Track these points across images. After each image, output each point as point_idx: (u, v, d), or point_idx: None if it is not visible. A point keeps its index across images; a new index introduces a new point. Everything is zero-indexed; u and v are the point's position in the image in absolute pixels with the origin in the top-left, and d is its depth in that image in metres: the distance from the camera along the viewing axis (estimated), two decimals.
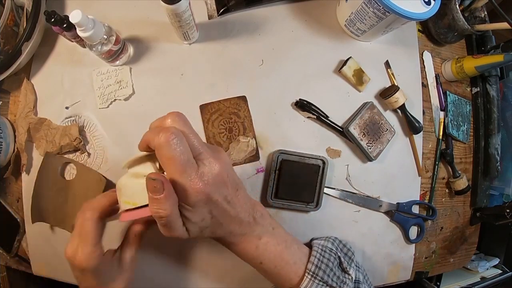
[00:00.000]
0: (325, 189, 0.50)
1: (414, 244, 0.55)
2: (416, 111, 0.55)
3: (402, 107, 0.52)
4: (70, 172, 0.50)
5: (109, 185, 0.50)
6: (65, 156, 0.50)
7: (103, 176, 0.49)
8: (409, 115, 0.53)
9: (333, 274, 0.34)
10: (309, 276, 0.33)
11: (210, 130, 0.50)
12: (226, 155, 0.31)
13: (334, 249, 0.38)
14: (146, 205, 0.29)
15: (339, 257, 0.36)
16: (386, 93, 0.52)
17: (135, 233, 0.37)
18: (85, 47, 0.50)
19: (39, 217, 0.49)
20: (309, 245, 0.40)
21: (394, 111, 0.54)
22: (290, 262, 0.33)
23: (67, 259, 0.33)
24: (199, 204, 0.28)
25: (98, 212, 0.33)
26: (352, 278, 0.36)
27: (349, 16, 0.49)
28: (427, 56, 0.57)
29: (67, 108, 0.50)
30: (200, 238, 0.32)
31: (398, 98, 0.51)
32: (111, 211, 0.35)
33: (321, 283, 0.33)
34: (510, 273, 0.62)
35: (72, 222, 0.48)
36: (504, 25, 0.49)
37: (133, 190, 0.31)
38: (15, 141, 0.51)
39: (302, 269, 0.33)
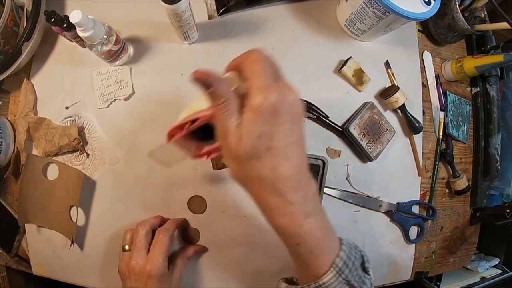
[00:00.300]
0: (325, 189, 0.50)
1: (414, 244, 0.55)
2: (416, 111, 0.55)
3: (402, 107, 0.52)
4: (52, 172, 0.50)
5: (87, 182, 0.50)
6: (60, 156, 0.50)
7: (81, 172, 0.49)
8: (409, 115, 0.53)
9: (356, 273, 0.32)
10: (334, 272, 0.30)
11: None
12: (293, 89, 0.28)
13: (359, 247, 0.36)
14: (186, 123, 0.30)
15: (362, 256, 0.34)
16: (386, 93, 0.52)
17: (187, 256, 0.47)
18: (85, 47, 0.50)
19: (26, 218, 0.49)
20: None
21: (394, 111, 0.54)
22: (326, 251, 0.31)
23: (123, 272, 0.42)
24: (265, 113, 0.24)
25: (171, 233, 0.43)
26: (371, 278, 0.34)
27: (349, 16, 0.49)
28: (427, 56, 0.57)
29: (67, 108, 0.50)
30: (244, 173, 0.27)
31: (398, 98, 0.51)
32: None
33: (344, 281, 0.31)
34: (510, 273, 0.62)
35: (58, 222, 0.49)
36: (504, 25, 0.49)
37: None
38: (15, 141, 0.51)
39: (330, 261, 0.31)
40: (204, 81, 0.26)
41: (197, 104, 0.31)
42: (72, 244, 0.48)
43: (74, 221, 0.48)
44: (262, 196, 0.28)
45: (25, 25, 0.46)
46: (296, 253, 0.31)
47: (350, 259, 0.32)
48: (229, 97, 0.26)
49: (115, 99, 0.50)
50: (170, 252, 0.44)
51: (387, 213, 0.53)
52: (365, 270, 0.34)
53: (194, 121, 0.30)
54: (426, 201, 0.56)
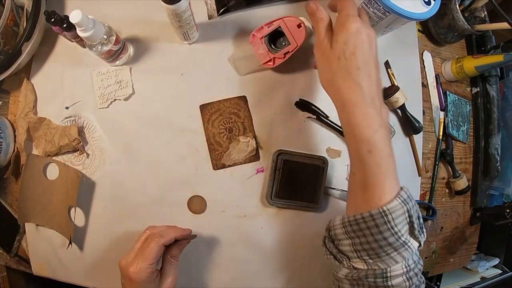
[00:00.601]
0: (325, 189, 0.50)
1: None
2: (416, 111, 0.55)
3: (402, 107, 0.52)
4: (52, 172, 0.50)
5: (87, 183, 0.50)
6: (60, 156, 0.50)
7: (80, 172, 0.49)
8: (409, 115, 0.53)
9: (416, 215, 0.33)
10: (400, 200, 0.31)
11: (210, 130, 0.50)
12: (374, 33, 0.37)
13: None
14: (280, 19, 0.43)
15: (417, 210, 0.33)
16: (386, 93, 0.52)
17: (172, 256, 0.44)
18: (85, 47, 0.50)
19: (26, 217, 0.49)
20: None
21: (394, 111, 0.54)
22: (391, 175, 0.32)
23: (119, 267, 0.41)
24: (351, 34, 0.33)
25: (164, 241, 0.41)
26: (424, 237, 0.34)
27: None
28: (427, 56, 0.57)
29: (67, 108, 0.50)
30: (332, 70, 0.35)
31: (398, 98, 0.51)
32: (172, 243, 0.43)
33: (407, 214, 0.31)
34: (510, 273, 0.63)
35: (58, 221, 0.49)
36: (504, 25, 0.49)
37: None
38: (15, 141, 0.51)
39: (395, 190, 0.32)
40: (313, 9, 0.38)
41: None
42: (70, 244, 0.48)
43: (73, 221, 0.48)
44: (346, 94, 0.34)
45: (25, 25, 0.46)
46: (364, 166, 0.32)
47: (411, 200, 0.32)
48: (327, 15, 0.37)
49: (115, 99, 0.50)
50: (158, 259, 0.42)
51: None
52: (420, 224, 0.33)
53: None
54: (426, 201, 0.56)
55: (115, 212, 0.50)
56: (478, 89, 0.59)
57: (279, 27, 0.44)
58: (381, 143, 0.32)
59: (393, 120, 0.54)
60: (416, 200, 0.54)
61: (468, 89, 0.61)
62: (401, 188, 0.33)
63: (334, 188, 0.51)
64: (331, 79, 0.36)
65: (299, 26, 0.44)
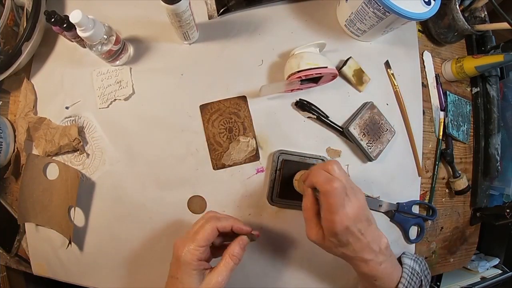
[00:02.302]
0: None
1: (414, 244, 0.55)
2: (416, 111, 0.55)
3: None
4: (52, 172, 0.50)
5: (87, 183, 0.50)
6: (60, 156, 0.50)
7: (79, 172, 0.49)
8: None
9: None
10: None
11: (210, 130, 0.50)
12: (363, 194, 0.38)
13: (419, 272, 0.44)
14: (325, 67, 0.45)
15: (421, 280, 0.43)
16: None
17: (233, 254, 0.39)
18: (85, 47, 0.50)
19: (26, 217, 0.49)
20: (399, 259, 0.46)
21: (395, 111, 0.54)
22: (394, 281, 0.40)
23: (173, 245, 0.39)
24: (340, 233, 0.35)
25: (220, 224, 0.39)
26: None
27: (349, 16, 0.49)
28: (427, 56, 0.57)
29: (67, 108, 0.50)
30: (335, 253, 0.38)
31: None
32: (225, 233, 0.40)
33: None
34: (510, 273, 0.62)
35: (58, 221, 0.49)
36: (504, 25, 0.49)
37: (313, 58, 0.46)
38: (15, 141, 0.51)
39: (394, 286, 0.40)
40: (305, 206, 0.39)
41: (314, 59, 0.46)
42: (70, 244, 0.48)
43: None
44: (349, 260, 0.38)
45: (25, 25, 0.46)
46: (372, 285, 0.40)
47: (410, 284, 0.41)
48: (314, 205, 0.38)
49: (115, 99, 0.50)
50: (209, 244, 0.38)
51: (387, 213, 0.53)
52: None
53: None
54: (426, 201, 0.56)
55: (115, 212, 0.50)
56: (478, 89, 0.59)
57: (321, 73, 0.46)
58: (383, 273, 0.39)
59: (394, 120, 0.53)
60: (416, 200, 0.54)
61: (468, 89, 0.61)
62: (402, 276, 0.41)
63: None
64: (334, 248, 0.37)
65: (334, 77, 0.48)
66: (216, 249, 0.42)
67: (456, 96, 0.58)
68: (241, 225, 0.41)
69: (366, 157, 0.51)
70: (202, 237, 0.37)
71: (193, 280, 0.37)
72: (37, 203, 0.49)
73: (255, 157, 0.50)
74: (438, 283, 0.60)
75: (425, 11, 0.43)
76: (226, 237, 0.42)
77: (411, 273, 0.42)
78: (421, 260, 0.46)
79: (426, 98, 0.56)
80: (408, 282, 0.41)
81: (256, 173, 0.51)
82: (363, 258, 0.37)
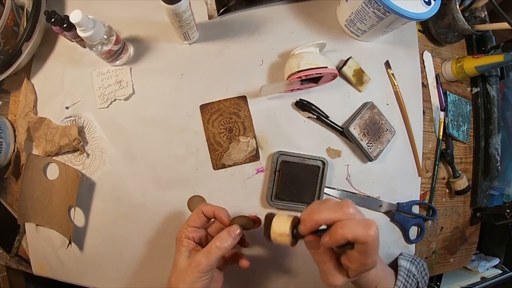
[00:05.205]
0: (325, 189, 0.50)
1: (414, 244, 0.55)
2: (416, 111, 0.55)
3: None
4: (52, 172, 0.50)
5: (87, 183, 0.50)
6: (60, 156, 0.50)
7: (79, 172, 0.49)
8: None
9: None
10: None
11: (210, 130, 0.50)
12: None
13: (416, 274, 0.44)
14: (325, 67, 0.44)
15: (417, 282, 0.43)
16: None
17: (219, 237, 0.38)
18: (85, 47, 0.50)
19: (26, 217, 0.49)
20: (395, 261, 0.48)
21: (395, 109, 0.54)
22: (390, 283, 0.42)
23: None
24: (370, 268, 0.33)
25: (204, 209, 0.41)
26: None
27: (349, 16, 0.49)
28: (427, 56, 0.57)
29: (67, 108, 0.50)
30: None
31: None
32: (209, 218, 0.42)
33: None
34: (510, 273, 0.62)
35: (58, 221, 0.49)
36: (504, 25, 0.49)
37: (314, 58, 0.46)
38: (15, 141, 0.51)
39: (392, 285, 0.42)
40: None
41: (314, 59, 0.46)
42: (70, 244, 0.48)
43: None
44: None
45: (25, 25, 0.46)
46: None
47: (406, 286, 0.43)
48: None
49: (115, 99, 0.50)
50: (198, 226, 0.40)
51: (387, 213, 0.53)
52: None
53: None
54: (426, 201, 0.56)
55: (115, 212, 0.50)
56: (478, 89, 0.59)
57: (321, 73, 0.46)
58: (381, 278, 0.40)
59: (394, 120, 0.53)
60: (417, 200, 0.54)
61: (468, 89, 0.61)
62: (397, 279, 0.42)
63: (334, 188, 0.51)
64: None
65: (334, 77, 0.48)
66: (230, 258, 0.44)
67: (456, 96, 0.58)
68: (222, 214, 0.40)
69: (366, 157, 0.51)
70: (190, 218, 0.40)
71: (181, 256, 0.39)
72: (37, 203, 0.49)
73: (255, 157, 0.50)
74: (438, 283, 0.60)
75: (425, 11, 0.43)
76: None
77: (407, 275, 0.43)
78: (418, 261, 0.47)
79: (426, 98, 0.56)
80: (404, 284, 0.41)
81: (256, 173, 0.51)
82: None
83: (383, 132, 0.52)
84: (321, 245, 0.33)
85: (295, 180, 0.49)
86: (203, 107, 0.50)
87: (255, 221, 0.40)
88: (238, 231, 0.38)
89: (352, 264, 0.33)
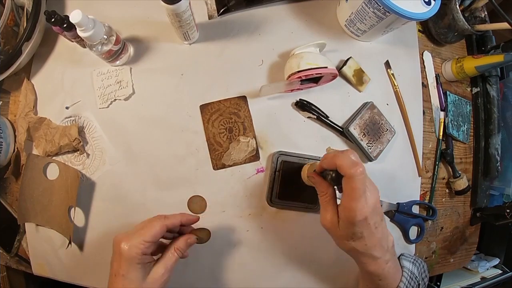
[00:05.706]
0: None
1: (414, 244, 0.55)
2: (416, 111, 0.55)
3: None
4: (52, 172, 0.50)
5: (87, 183, 0.50)
6: (60, 156, 0.50)
7: (79, 172, 0.49)
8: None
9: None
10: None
11: (210, 130, 0.50)
12: (377, 187, 0.38)
13: (417, 275, 0.45)
14: (325, 67, 0.44)
15: (418, 284, 0.43)
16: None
17: (177, 248, 0.40)
18: (85, 47, 0.50)
19: (26, 217, 0.49)
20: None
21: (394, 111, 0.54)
22: (396, 281, 0.41)
23: (113, 242, 0.38)
24: (358, 223, 0.34)
25: (169, 222, 0.39)
26: None
27: (349, 16, 0.49)
28: (427, 56, 0.57)
29: (67, 108, 0.50)
30: (344, 246, 0.38)
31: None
32: (173, 231, 0.42)
33: None
34: (510, 273, 0.62)
35: (58, 221, 0.49)
36: (504, 25, 0.49)
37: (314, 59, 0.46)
38: (15, 141, 0.51)
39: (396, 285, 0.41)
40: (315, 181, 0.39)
41: (314, 59, 0.46)
42: (70, 244, 0.48)
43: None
44: (357, 256, 0.38)
45: (25, 25, 0.46)
46: (375, 285, 0.40)
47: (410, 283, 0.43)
48: (331, 190, 0.38)
49: (115, 99, 0.50)
50: (156, 241, 0.38)
51: (387, 213, 0.53)
52: None
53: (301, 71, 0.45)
54: (426, 201, 0.56)
55: (115, 212, 0.50)
56: (478, 89, 0.59)
57: (321, 73, 0.46)
58: (388, 272, 0.39)
59: (394, 120, 0.54)
60: (416, 200, 0.54)
61: (468, 89, 0.61)
62: (401, 280, 0.41)
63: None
64: (347, 241, 0.37)
65: (334, 77, 0.48)
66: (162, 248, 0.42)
67: (456, 96, 0.58)
68: (188, 217, 0.41)
69: (366, 157, 0.51)
70: (149, 233, 0.37)
71: (138, 273, 0.37)
72: (37, 203, 0.49)
73: (255, 157, 0.50)
74: (438, 283, 0.60)
75: (425, 11, 0.43)
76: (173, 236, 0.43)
77: (410, 277, 0.43)
78: (419, 262, 0.47)
79: (426, 98, 0.56)
80: (406, 286, 0.41)
81: (256, 173, 0.51)
82: (372, 255, 0.37)
83: (383, 132, 0.52)
84: (317, 168, 0.39)
85: (295, 179, 0.49)
86: (203, 107, 0.50)
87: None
88: (195, 240, 0.42)
89: (341, 209, 0.35)
